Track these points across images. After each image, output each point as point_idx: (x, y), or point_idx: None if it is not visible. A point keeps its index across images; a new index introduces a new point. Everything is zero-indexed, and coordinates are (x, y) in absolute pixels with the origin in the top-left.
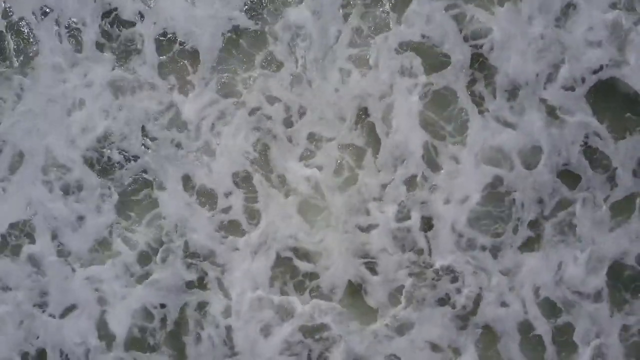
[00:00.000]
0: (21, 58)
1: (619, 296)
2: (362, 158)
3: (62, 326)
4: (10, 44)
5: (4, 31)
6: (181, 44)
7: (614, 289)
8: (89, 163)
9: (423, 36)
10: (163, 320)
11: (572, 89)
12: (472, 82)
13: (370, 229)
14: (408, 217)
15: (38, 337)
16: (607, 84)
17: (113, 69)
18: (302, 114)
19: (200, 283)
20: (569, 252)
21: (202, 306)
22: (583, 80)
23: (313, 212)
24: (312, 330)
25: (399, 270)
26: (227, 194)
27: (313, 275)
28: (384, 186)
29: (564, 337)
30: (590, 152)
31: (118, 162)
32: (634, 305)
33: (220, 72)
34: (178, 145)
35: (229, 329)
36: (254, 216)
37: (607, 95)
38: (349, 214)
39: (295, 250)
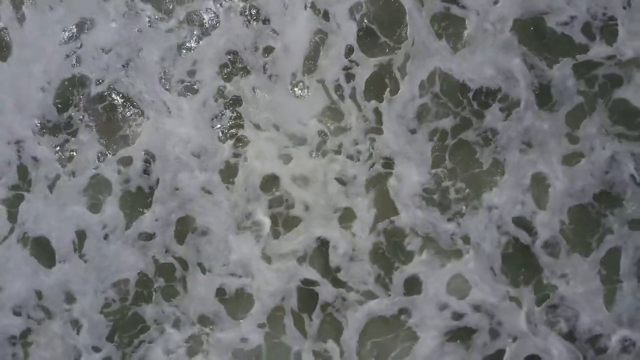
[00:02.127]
0: None
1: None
2: (327, 115)
3: (53, 274)
4: None
5: None
6: None
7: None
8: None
9: None
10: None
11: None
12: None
13: (349, 192)
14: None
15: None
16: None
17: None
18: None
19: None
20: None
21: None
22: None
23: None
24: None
25: (376, 234)
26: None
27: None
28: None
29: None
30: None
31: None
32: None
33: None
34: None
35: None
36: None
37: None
38: (324, 175)
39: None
